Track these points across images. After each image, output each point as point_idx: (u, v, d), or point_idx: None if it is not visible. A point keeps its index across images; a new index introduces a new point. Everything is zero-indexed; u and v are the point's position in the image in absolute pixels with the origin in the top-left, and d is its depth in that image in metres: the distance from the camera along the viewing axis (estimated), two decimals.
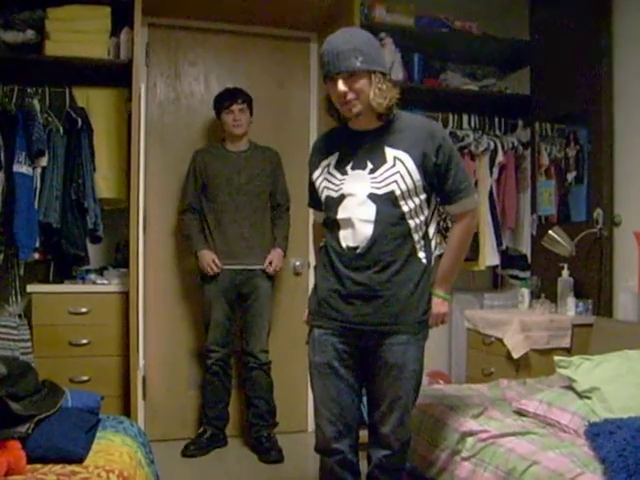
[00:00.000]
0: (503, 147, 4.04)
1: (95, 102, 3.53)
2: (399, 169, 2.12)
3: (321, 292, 2.25)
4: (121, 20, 3.38)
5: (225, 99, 3.65)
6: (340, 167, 2.21)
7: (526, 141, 4.10)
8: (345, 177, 2.19)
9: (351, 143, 2.21)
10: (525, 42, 4.09)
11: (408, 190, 2.12)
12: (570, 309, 3.44)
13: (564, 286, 3.53)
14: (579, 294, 3.49)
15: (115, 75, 3.44)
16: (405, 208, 2.13)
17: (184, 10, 3.78)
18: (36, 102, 3.39)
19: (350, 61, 2.05)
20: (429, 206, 2.21)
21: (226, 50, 4.04)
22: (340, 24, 3.60)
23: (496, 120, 4.18)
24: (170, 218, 3.88)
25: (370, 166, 2.15)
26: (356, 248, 2.14)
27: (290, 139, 4.08)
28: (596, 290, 3.46)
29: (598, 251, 3.46)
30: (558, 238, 3.48)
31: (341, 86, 2.08)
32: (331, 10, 3.75)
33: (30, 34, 3.31)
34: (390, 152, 2.14)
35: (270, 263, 3.66)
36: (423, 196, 2.16)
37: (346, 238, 2.17)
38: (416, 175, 2.12)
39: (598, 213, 3.47)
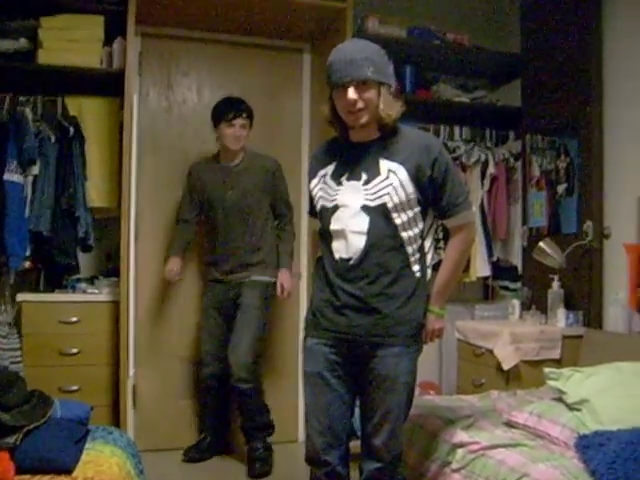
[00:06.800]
0: (494, 159, 4.07)
1: (87, 111, 3.52)
2: (392, 181, 2.12)
3: (315, 302, 2.26)
4: (114, 29, 3.38)
5: (229, 110, 3.47)
6: (336, 177, 2.21)
7: (517, 153, 4.12)
8: (340, 188, 2.19)
9: (348, 154, 2.21)
10: (516, 54, 4.13)
11: (401, 202, 2.11)
12: (560, 320, 3.45)
13: (554, 297, 3.54)
14: (569, 306, 3.51)
15: (108, 84, 3.43)
16: (398, 220, 2.12)
17: (177, 20, 3.78)
18: (28, 110, 3.37)
19: (362, 70, 2.05)
20: (424, 219, 2.20)
21: (219, 60, 4.03)
22: (333, 35, 3.66)
23: (487, 132, 4.21)
24: (162, 227, 3.86)
25: (365, 177, 2.15)
26: (349, 260, 2.14)
27: (282, 150, 4.06)
28: (586, 302, 3.48)
29: (588, 263, 3.48)
30: (548, 250, 3.50)
31: (352, 94, 2.07)
32: (324, 21, 3.76)
33: (23, 42, 3.32)
34: (385, 164, 2.14)
35: (282, 287, 3.56)
36: (417, 209, 2.15)
37: (339, 250, 2.17)
38: (409, 188, 2.11)
39: (588, 225, 3.49)
